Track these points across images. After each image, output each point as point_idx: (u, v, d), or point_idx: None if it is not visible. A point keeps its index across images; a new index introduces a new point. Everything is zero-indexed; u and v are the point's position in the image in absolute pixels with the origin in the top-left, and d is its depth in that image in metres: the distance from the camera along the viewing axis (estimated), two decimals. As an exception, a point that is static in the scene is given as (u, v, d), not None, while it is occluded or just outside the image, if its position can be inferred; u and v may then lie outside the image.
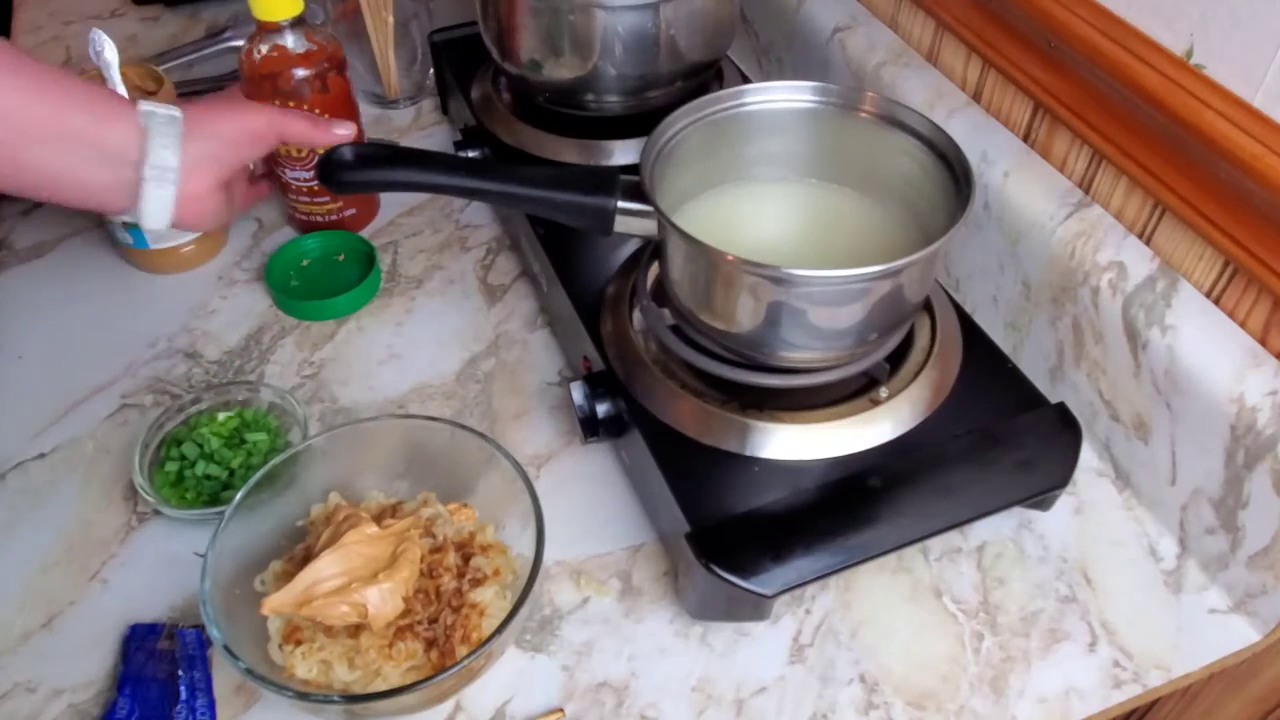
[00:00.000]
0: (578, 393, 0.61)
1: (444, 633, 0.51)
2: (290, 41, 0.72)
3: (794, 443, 0.57)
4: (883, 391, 0.59)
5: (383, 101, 0.96)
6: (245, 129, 0.61)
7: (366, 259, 0.79)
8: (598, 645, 0.56)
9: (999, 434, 0.58)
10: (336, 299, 0.75)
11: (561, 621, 0.58)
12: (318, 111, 0.73)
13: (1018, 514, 0.62)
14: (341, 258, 0.80)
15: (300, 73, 0.72)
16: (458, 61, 0.87)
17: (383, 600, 0.51)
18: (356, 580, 0.51)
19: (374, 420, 0.59)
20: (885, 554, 0.53)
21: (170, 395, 0.70)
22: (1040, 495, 0.57)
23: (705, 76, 0.79)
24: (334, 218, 0.80)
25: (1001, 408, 0.59)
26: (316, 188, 0.77)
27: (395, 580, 0.51)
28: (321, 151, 0.60)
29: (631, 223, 0.57)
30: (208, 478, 0.62)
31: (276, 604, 0.51)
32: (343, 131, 0.64)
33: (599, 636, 0.57)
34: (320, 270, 0.79)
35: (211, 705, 0.53)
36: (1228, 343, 0.55)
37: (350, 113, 0.76)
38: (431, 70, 0.95)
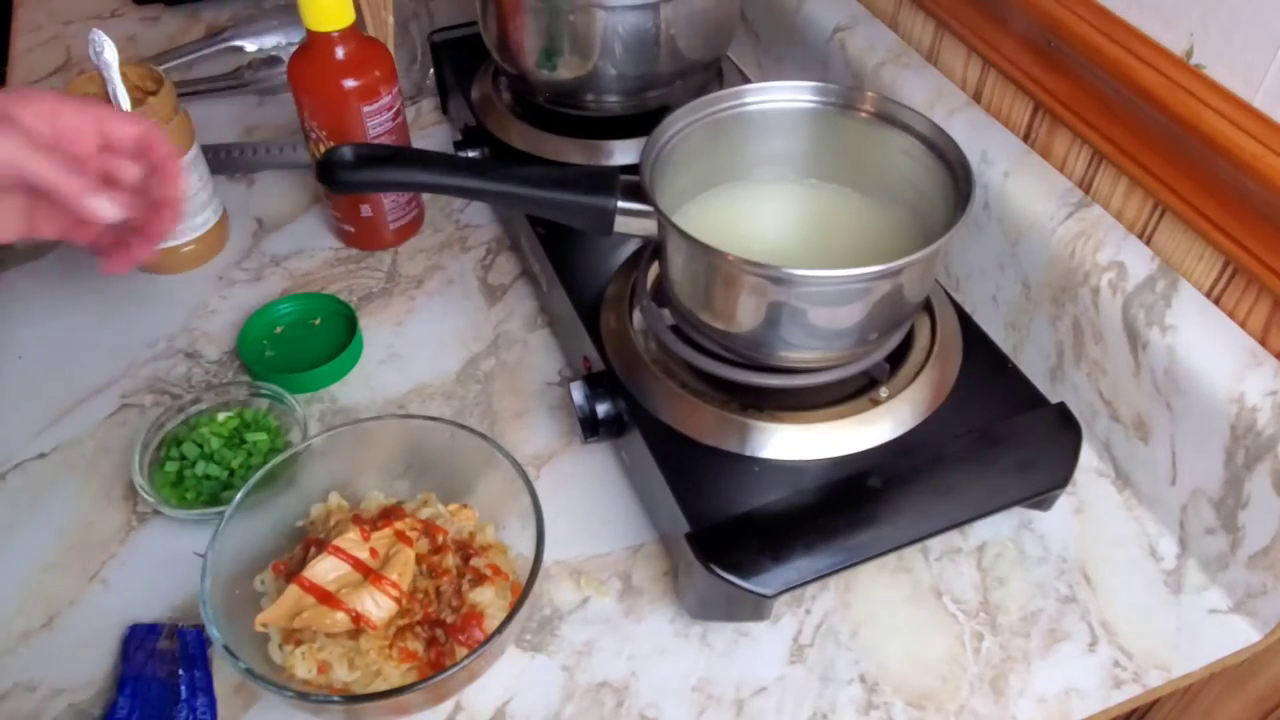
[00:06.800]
0: (578, 393, 0.61)
1: (444, 633, 0.51)
2: None
3: (794, 443, 0.57)
4: (883, 391, 0.59)
5: (383, 101, 0.96)
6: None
7: (344, 320, 0.74)
8: (598, 645, 0.56)
9: (999, 434, 0.58)
10: (318, 370, 0.69)
11: (561, 621, 0.58)
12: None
13: (1018, 514, 0.62)
14: (318, 321, 0.75)
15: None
16: (458, 61, 0.87)
17: (375, 604, 0.51)
18: (346, 587, 0.51)
19: (374, 420, 0.59)
20: (885, 554, 0.53)
21: (170, 395, 0.70)
22: (1040, 495, 0.57)
23: (705, 76, 0.79)
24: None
25: (1001, 408, 0.59)
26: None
27: (385, 584, 0.51)
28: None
29: (631, 223, 0.57)
30: (208, 478, 0.62)
31: (269, 617, 0.51)
32: (100, 207, 0.53)
33: (599, 636, 0.57)
34: (296, 336, 0.73)
35: (212, 705, 0.53)
36: (1228, 343, 0.55)
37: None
38: (431, 70, 0.95)
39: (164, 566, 0.60)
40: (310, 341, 0.73)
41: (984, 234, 0.68)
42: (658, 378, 0.59)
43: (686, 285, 0.57)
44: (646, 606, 0.58)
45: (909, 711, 0.53)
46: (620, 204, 0.57)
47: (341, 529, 0.54)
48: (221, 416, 0.66)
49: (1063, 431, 0.58)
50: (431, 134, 0.93)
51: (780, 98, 0.62)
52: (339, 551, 0.52)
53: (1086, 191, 0.64)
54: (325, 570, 0.52)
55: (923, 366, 0.60)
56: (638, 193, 0.56)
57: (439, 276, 0.79)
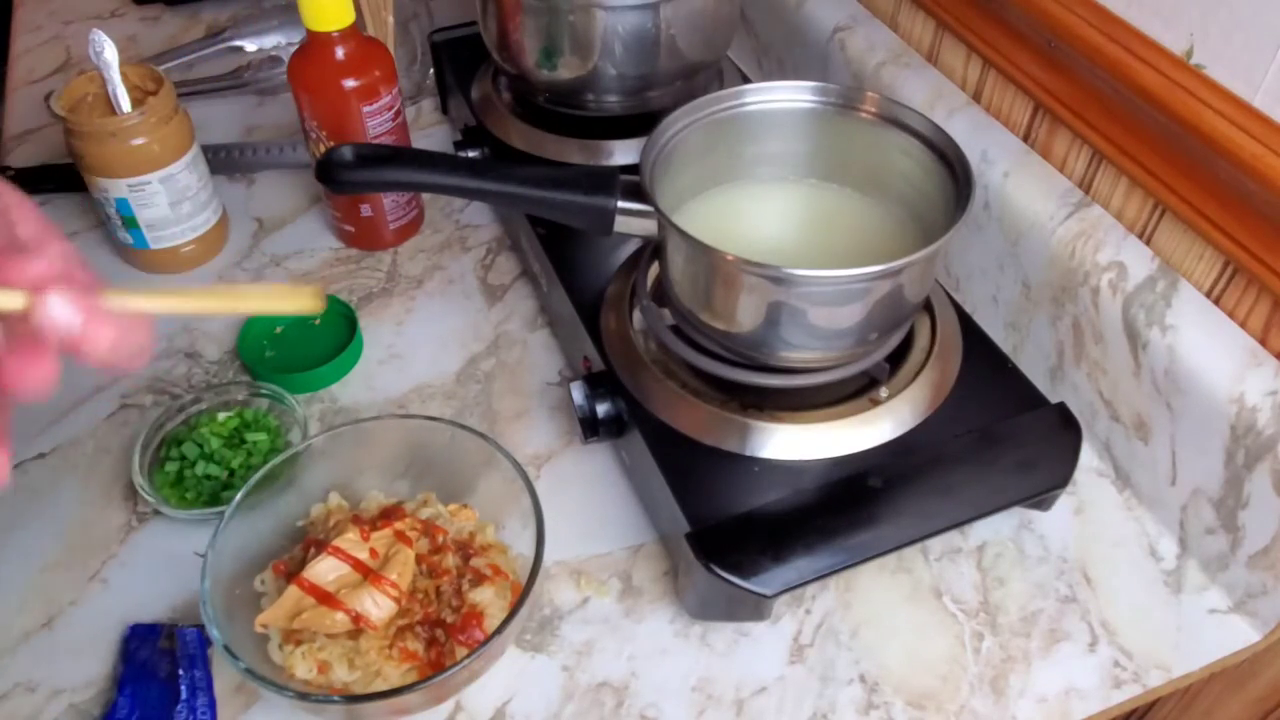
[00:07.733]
0: (578, 393, 0.61)
1: (444, 633, 0.51)
2: None
3: (794, 443, 0.57)
4: (883, 391, 0.59)
5: (383, 101, 0.96)
6: None
7: (344, 320, 0.74)
8: (598, 645, 0.56)
9: (999, 434, 0.58)
10: (318, 370, 0.69)
11: (561, 621, 0.58)
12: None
13: (1018, 514, 0.62)
14: (318, 321, 0.75)
15: None
16: (458, 61, 0.87)
17: (375, 605, 0.51)
18: (346, 587, 0.51)
19: (374, 420, 0.59)
20: (885, 554, 0.53)
21: (170, 395, 0.70)
22: (1040, 495, 0.57)
23: (705, 76, 0.79)
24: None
25: (1001, 408, 0.59)
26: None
27: (385, 584, 0.51)
28: None
29: (631, 223, 0.57)
30: (208, 478, 0.62)
31: (269, 618, 0.51)
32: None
33: (599, 636, 0.57)
34: (296, 337, 0.73)
35: (212, 705, 0.53)
36: (1228, 343, 0.55)
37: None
38: (431, 70, 0.95)
39: (164, 566, 0.60)
40: (310, 341, 0.73)
41: (984, 234, 0.68)
42: (658, 378, 0.59)
43: (686, 285, 0.57)
44: (646, 606, 0.58)
45: (909, 711, 0.53)
46: (620, 204, 0.57)
47: (341, 529, 0.54)
48: (221, 416, 0.66)
49: (1063, 431, 0.58)
50: (431, 134, 0.93)
51: (780, 98, 0.62)
52: (339, 552, 0.52)
53: (1086, 191, 0.64)
54: (325, 570, 0.52)
55: (923, 366, 0.60)
56: (638, 193, 0.56)
57: (439, 276, 0.79)
